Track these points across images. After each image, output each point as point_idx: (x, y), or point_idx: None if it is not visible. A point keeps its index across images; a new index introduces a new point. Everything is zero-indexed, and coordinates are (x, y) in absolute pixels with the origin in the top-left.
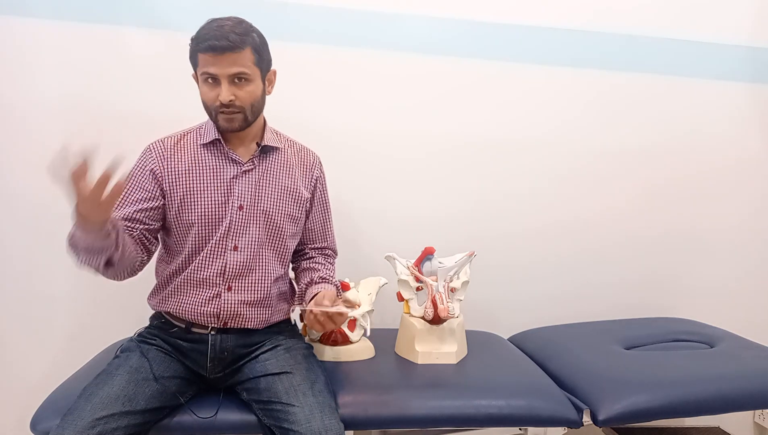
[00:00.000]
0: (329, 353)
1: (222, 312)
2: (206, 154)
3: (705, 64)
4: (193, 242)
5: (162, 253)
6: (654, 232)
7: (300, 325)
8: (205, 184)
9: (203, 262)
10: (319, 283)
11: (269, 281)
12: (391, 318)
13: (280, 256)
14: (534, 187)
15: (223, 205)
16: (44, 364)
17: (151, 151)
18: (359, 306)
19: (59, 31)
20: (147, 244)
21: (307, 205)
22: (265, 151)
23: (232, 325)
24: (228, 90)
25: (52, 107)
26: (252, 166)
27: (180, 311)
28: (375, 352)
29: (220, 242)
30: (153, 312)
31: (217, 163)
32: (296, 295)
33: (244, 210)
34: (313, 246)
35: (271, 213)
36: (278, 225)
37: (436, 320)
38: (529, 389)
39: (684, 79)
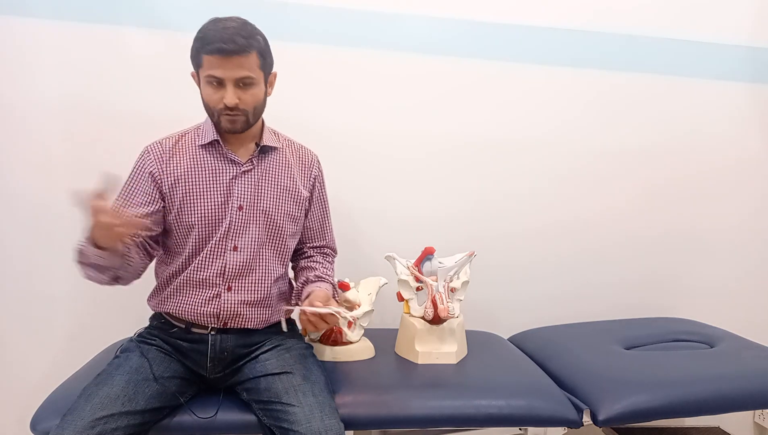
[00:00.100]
0: (329, 353)
1: (222, 312)
2: (205, 155)
3: (705, 64)
4: (193, 243)
5: (161, 254)
6: (654, 232)
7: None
8: (205, 186)
9: (203, 262)
10: (314, 281)
11: (269, 281)
12: (391, 318)
13: (280, 255)
14: (534, 187)
15: (223, 206)
16: (44, 364)
17: (149, 153)
18: (359, 306)
19: (59, 31)
20: (150, 250)
21: (306, 204)
22: (263, 151)
23: (232, 325)
24: (233, 93)
25: (52, 107)
26: (251, 167)
27: (180, 312)
28: (375, 352)
29: (220, 243)
30: (153, 312)
31: (216, 164)
32: (293, 294)
33: (244, 210)
34: (311, 245)
35: (270, 213)
36: (278, 224)
37: (436, 320)
38: (529, 389)
39: (684, 79)
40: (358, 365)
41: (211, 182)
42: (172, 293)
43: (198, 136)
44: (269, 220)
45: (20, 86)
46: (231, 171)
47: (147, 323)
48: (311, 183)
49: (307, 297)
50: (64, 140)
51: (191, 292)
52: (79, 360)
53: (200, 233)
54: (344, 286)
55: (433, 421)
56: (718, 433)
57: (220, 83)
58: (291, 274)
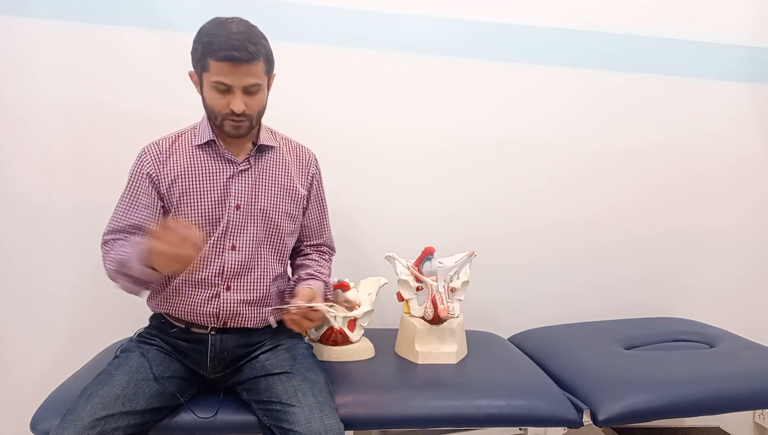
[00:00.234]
0: (329, 353)
1: (221, 312)
2: (202, 155)
3: (705, 64)
4: None
5: None
6: (654, 232)
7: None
8: (202, 185)
9: (201, 262)
10: (306, 279)
11: (268, 280)
12: (391, 318)
13: (278, 254)
14: (534, 187)
15: (220, 206)
16: (44, 364)
17: (146, 154)
18: (359, 306)
19: (59, 31)
20: None
21: (304, 202)
22: (261, 150)
23: (232, 324)
24: (241, 100)
25: (52, 107)
26: (248, 166)
27: (179, 312)
28: (375, 352)
29: (218, 242)
30: (153, 312)
31: (213, 164)
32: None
33: (242, 209)
34: (309, 243)
35: (268, 212)
36: (276, 223)
37: (436, 320)
38: (529, 389)
39: (684, 79)
40: (358, 365)
41: (209, 182)
42: (171, 293)
43: (194, 135)
44: (267, 219)
45: (20, 86)
46: (228, 170)
47: (147, 323)
48: (309, 181)
49: (293, 296)
50: (64, 140)
51: (190, 292)
52: (79, 360)
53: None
54: (344, 286)
55: (433, 421)
56: (718, 433)
57: (227, 90)
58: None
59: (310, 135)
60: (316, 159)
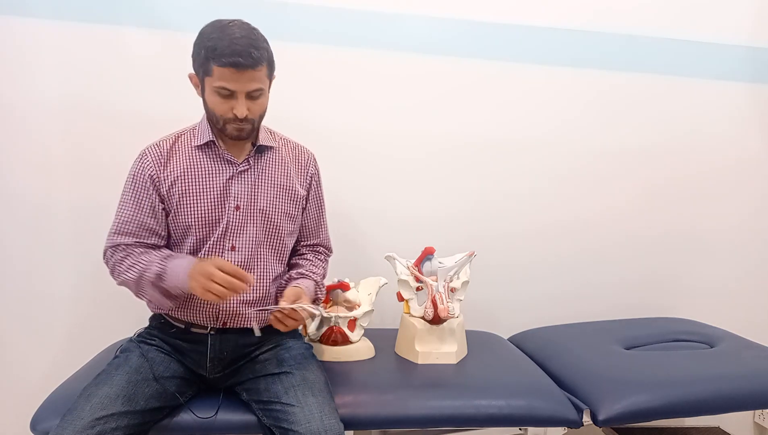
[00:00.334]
0: (329, 353)
1: (221, 312)
2: (201, 156)
3: (705, 64)
4: (191, 243)
5: None
6: (654, 232)
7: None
8: (202, 186)
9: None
10: (296, 278)
11: (268, 280)
12: (391, 318)
13: (278, 254)
14: (534, 187)
15: (220, 206)
16: (44, 364)
17: (146, 155)
18: (359, 306)
19: (59, 31)
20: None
21: (304, 202)
22: (260, 150)
23: (232, 324)
24: (244, 105)
25: (52, 107)
26: (247, 166)
27: (179, 312)
28: (375, 352)
29: (218, 243)
30: (152, 313)
31: (213, 165)
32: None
33: (241, 210)
34: (305, 243)
35: (268, 212)
36: (276, 224)
37: (436, 320)
38: (529, 389)
39: (684, 79)
40: (358, 365)
41: (208, 183)
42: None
43: (194, 136)
44: (267, 219)
45: (20, 86)
46: (228, 171)
47: (147, 323)
48: (308, 181)
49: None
50: (64, 140)
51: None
52: (79, 360)
53: (198, 234)
54: (344, 286)
55: (433, 421)
56: (718, 433)
57: (230, 94)
58: None
59: (310, 135)
60: (315, 159)
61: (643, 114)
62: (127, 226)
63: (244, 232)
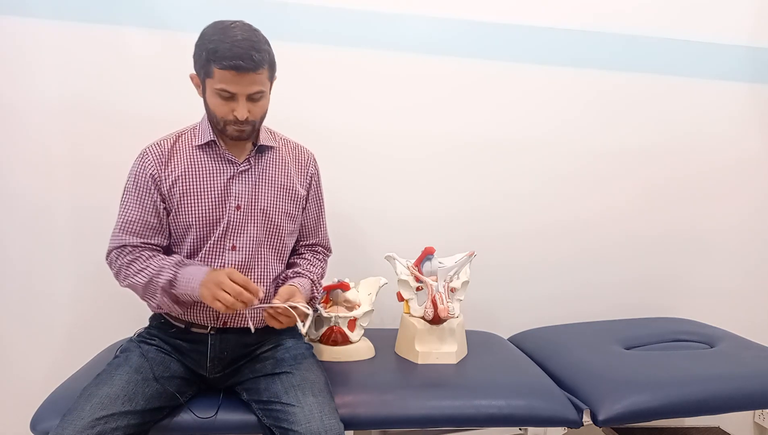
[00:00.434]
0: (329, 353)
1: (221, 312)
2: (202, 156)
3: (705, 64)
4: (191, 243)
5: None
6: (654, 232)
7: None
8: (202, 186)
9: (201, 262)
10: (292, 278)
11: (268, 280)
12: (391, 318)
13: (278, 254)
14: (534, 187)
15: (221, 206)
16: (44, 364)
17: (147, 154)
18: (359, 306)
19: (59, 31)
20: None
21: (304, 202)
22: (260, 150)
23: (232, 324)
24: (245, 107)
25: (52, 107)
26: (248, 166)
27: (179, 312)
28: (375, 352)
29: (218, 242)
30: (152, 313)
31: (214, 165)
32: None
33: (242, 210)
34: (304, 242)
35: (268, 212)
36: (276, 223)
37: (436, 320)
38: (529, 389)
39: (684, 79)
40: (358, 365)
41: (209, 182)
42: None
43: (194, 136)
44: (267, 219)
45: (20, 86)
46: (228, 171)
47: (147, 323)
48: (308, 181)
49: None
50: (64, 140)
51: None
52: (79, 360)
53: (198, 233)
54: (344, 286)
55: (433, 421)
56: (718, 433)
57: (231, 97)
58: None
59: (310, 135)
60: (315, 159)
61: (643, 114)
62: (131, 226)
63: (245, 231)
